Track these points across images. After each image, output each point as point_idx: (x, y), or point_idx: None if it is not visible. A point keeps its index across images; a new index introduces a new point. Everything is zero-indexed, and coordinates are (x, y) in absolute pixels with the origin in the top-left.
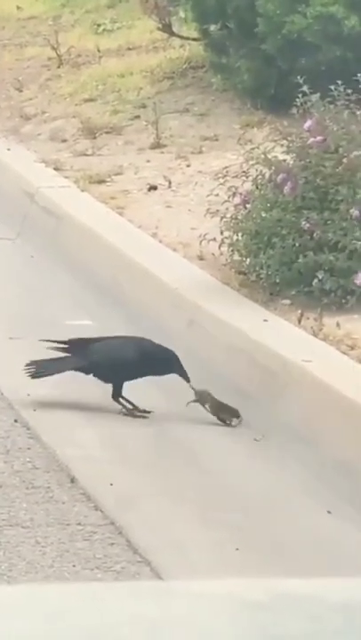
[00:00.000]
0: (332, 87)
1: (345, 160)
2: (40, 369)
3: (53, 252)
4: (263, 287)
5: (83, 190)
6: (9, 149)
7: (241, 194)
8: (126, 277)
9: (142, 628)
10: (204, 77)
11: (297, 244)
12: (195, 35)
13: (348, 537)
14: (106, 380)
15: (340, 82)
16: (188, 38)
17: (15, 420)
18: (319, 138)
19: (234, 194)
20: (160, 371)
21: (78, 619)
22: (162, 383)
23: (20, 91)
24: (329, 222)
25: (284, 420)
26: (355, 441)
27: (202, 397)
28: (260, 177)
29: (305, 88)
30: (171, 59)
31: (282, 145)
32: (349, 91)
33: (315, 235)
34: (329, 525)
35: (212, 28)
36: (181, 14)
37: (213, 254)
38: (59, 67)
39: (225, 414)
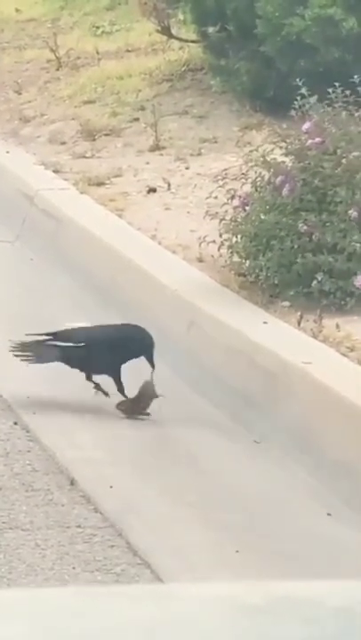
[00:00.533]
0: (331, 89)
1: (344, 161)
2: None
3: (53, 254)
4: (263, 289)
5: (82, 192)
6: (8, 152)
7: (240, 196)
8: (126, 279)
9: (142, 631)
10: (203, 79)
11: (296, 246)
12: (194, 37)
13: (348, 539)
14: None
15: (338, 84)
16: (186, 40)
17: (15, 423)
18: (318, 139)
19: (233, 196)
20: (134, 353)
21: (78, 622)
22: (158, 386)
23: (19, 93)
24: (328, 224)
25: (284, 421)
26: (355, 442)
27: (146, 389)
28: (259, 179)
29: (303, 90)
30: (170, 61)
31: (281, 147)
32: (348, 92)
33: (314, 236)
34: (329, 527)
35: (211, 30)
36: (180, 16)
37: (213, 256)
38: (58, 69)
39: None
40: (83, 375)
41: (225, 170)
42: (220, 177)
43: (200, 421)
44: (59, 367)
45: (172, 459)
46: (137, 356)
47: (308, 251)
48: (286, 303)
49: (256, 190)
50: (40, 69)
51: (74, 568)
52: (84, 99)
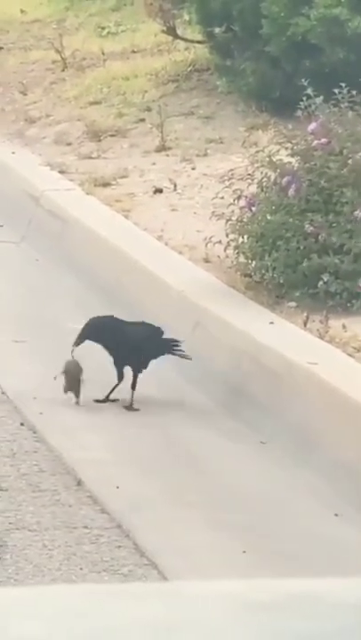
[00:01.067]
0: (337, 89)
1: (350, 162)
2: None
3: (58, 255)
4: (269, 289)
5: (88, 193)
6: (14, 153)
7: (246, 196)
8: (132, 280)
9: (148, 629)
10: (208, 80)
11: (302, 247)
12: (199, 37)
13: (354, 539)
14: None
15: (344, 84)
16: (192, 41)
17: (21, 424)
18: (324, 140)
19: (239, 197)
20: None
21: (85, 620)
22: (166, 387)
23: (25, 94)
24: (334, 225)
25: (289, 422)
26: None
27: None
28: (265, 179)
29: (309, 90)
30: (175, 61)
31: (287, 147)
32: (354, 92)
33: (320, 237)
34: (336, 528)
35: (217, 30)
36: (186, 17)
37: (219, 257)
38: (63, 70)
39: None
40: (88, 376)
41: (231, 170)
42: (226, 177)
43: (205, 422)
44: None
45: (178, 459)
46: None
47: (314, 251)
48: (292, 304)
49: (262, 191)
50: (45, 70)
51: (81, 569)
52: (89, 99)
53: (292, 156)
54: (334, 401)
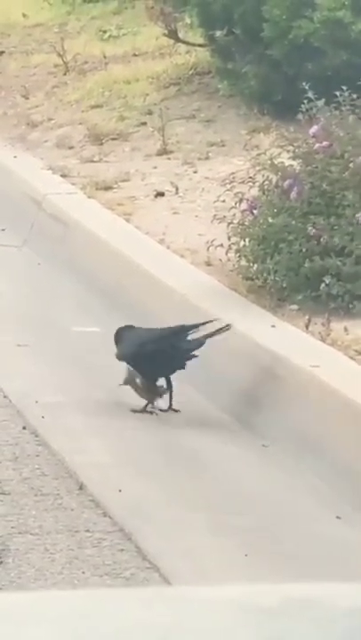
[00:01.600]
0: (338, 92)
1: (351, 165)
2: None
3: (60, 258)
4: (271, 292)
5: (90, 197)
6: (16, 157)
7: (248, 200)
8: (134, 284)
9: (152, 634)
10: (210, 83)
11: (304, 250)
12: (201, 41)
13: (356, 541)
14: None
15: (345, 87)
16: (194, 44)
17: (24, 427)
18: (325, 143)
19: (241, 200)
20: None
21: (88, 625)
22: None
23: (27, 98)
24: (336, 227)
25: (292, 425)
26: None
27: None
28: (266, 183)
29: (311, 94)
30: (177, 65)
31: (288, 150)
32: (355, 96)
33: (322, 240)
34: (338, 531)
35: (218, 33)
36: (187, 20)
37: (221, 260)
38: (65, 74)
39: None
40: (91, 381)
41: (233, 173)
42: (227, 181)
43: (208, 425)
44: (67, 371)
45: (180, 462)
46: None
47: (316, 254)
48: (294, 306)
49: (264, 194)
50: (47, 74)
51: (83, 572)
52: (91, 103)
53: (294, 159)
54: (336, 404)
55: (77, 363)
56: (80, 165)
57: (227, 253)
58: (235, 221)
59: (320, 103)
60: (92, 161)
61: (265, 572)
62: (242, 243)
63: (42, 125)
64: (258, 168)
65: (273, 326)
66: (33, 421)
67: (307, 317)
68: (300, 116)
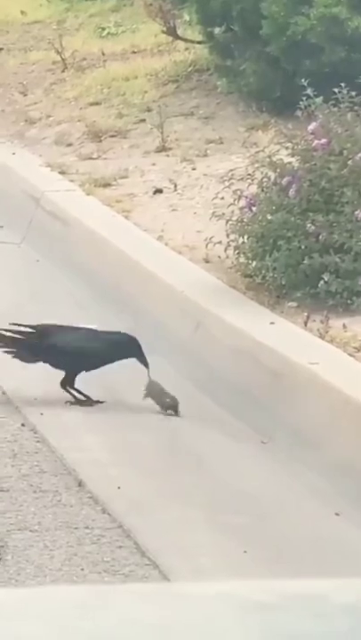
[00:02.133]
0: (337, 89)
1: (350, 162)
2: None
3: (59, 256)
4: (269, 290)
5: (88, 194)
6: (14, 154)
7: (246, 197)
8: (132, 281)
9: (150, 629)
10: (209, 80)
11: (303, 247)
12: (199, 38)
13: (355, 539)
14: (58, 368)
15: (344, 84)
16: (192, 41)
17: (22, 424)
18: (324, 140)
19: (239, 197)
20: (121, 354)
21: (87, 620)
22: (164, 385)
23: (25, 95)
24: (334, 224)
25: (290, 422)
26: None
27: (151, 389)
28: (265, 180)
29: (309, 90)
30: (175, 62)
31: (287, 148)
32: (353, 93)
33: (320, 237)
34: (337, 527)
35: (217, 30)
36: (186, 17)
37: (219, 257)
38: (63, 71)
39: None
40: (90, 377)
41: (231, 170)
42: (226, 178)
43: (207, 422)
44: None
45: (179, 460)
46: (122, 359)
47: (314, 251)
48: (293, 304)
49: (263, 191)
50: (46, 71)
51: (82, 569)
52: (89, 100)
53: (293, 156)
54: (335, 401)
55: None
56: (79, 162)
57: (225, 250)
58: (233, 218)
59: (319, 100)
60: (91, 158)
61: (264, 569)
62: (240, 240)
63: (40, 122)
64: (256, 165)
65: (272, 323)
66: (32, 418)
67: (306, 314)
68: (298, 113)
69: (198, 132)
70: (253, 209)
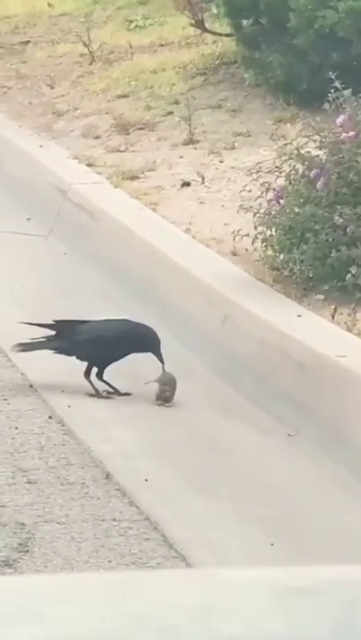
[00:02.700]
0: None
1: None
2: (25, 348)
3: (86, 248)
4: (297, 282)
5: (116, 186)
6: (41, 146)
7: (274, 189)
8: (159, 274)
9: (180, 615)
10: (236, 73)
11: (330, 239)
12: (227, 30)
13: None
14: (88, 360)
15: None
16: (220, 34)
17: (49, 417)
18: (352, 133)
19: (267, 189)
20: (141, 348)
21: (121, 606)
22: (193, 380)
23: (53, 87)
24: None
25: (317, 415)
26: None
27: (165, 380)
28: (293, 172)
29: (337, 83)
30: (203, 55)
31: (315, 140)
32: None
33: (348, 230)
34: None
35: (245, 23)
36: (214, 10)
37: (247, 250)
38: (91, 63)
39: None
40: (117, 370)
41: (259, 163)
42: (253, 170)
43: (234, 414)
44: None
45: (206, 452)
46: (143, 352)
47: (342, 244)
48: (320, 296)
49: (290, 183)
50: (73, 64)
51: (109, 561)
52: (117, 93)
53: (321, 148)
54: None
55: None
56: (106, 155)
57: (253, 243)
58: (261, 211)
59: (347, 93)
60: (119, 150)
61: (291, 561)
62: (268, 232)
63: (68, 115)
64: (284, 158)
65: (299, 316)
66: (59, 410)
67: (333, 307)
68: (326, 106)
69: (226, 125)
70: (281, 201)
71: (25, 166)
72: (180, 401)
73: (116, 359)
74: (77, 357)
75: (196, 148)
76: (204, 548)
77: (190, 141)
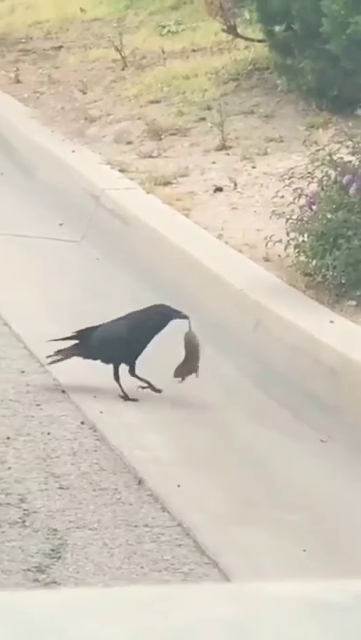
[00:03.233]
0: None
1: None
2: (57, 359)
3: (119, 254)
4: (329, 288)
5: (148, 192)
6: (74, 151)
7: (307, 195)
8: (192, 279)
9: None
10: (269, 79)
11: None
12: (260, 36)
13: None
14: (111, 362)
15: None
16: (252, 40)
17: (82, 422)
18: None
19: (299, 195)
20: (159, 324)
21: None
22: (226, 386)
23: (85, 93)
24: None
25: (350, 421)
26: None
27: (190, 342)
28: (325, 178)
29: None
30: (236, 60)
31: (347, 146)
32: None
33: None
34: None
35: (277, 29)
36: (246, 16)
37: (279, 256)
38: (123, 69)
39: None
40: (146, 374)
41: (291, 169)
42: (286, 176)
43: (266, 420)
44: (124, 367)
45: (239, 458)
46: (163, 326)
47: None
48: (353, 302)
49: (323, 189)
50: (105, 69)
51: (142, 567)
52: (149, 98)
53: (353, 154)
54: None
55: None
56: (138, 160)
57: (285, 249)
58: (293, 217)
59: None
60: (151, 156)
61: (323, 569)
62: (300, 238)
63: (100, 120)
64: (317, 164)
65: (331, 322)
66: (91, 416)
67: None
68: (358, 112)
69: (258, 131)
70: (313, 207)
71: (57, 172)
72: (211, 405)
73: (141, 350)
74: (102, 361)
75: (228, 154)
76: (237, 555)
77: (223, 147)
